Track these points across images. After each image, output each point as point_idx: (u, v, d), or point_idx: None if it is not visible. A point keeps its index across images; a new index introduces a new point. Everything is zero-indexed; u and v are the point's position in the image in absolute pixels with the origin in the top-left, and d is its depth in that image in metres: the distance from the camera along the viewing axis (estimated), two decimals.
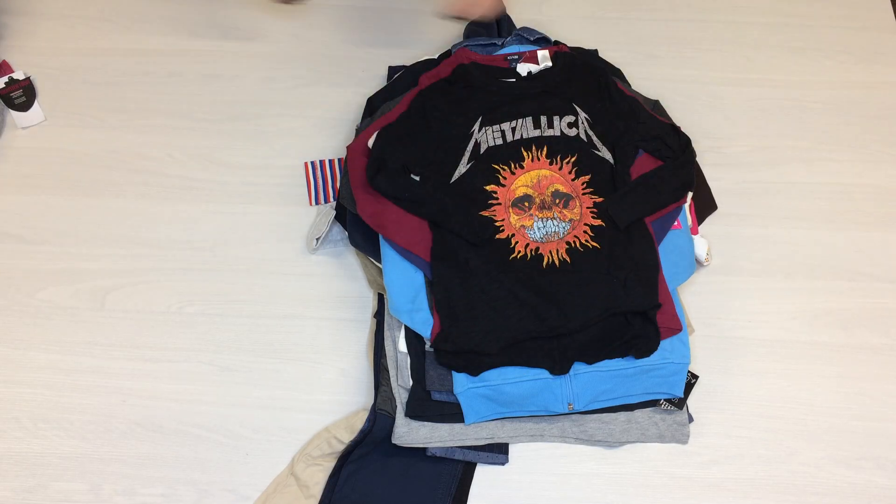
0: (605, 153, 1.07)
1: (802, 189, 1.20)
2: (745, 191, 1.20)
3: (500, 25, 1.27)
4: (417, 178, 1.05)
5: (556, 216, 1.03)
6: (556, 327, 0.95)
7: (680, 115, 1.25)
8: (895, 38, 1.35)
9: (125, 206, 1.18)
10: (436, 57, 1.20)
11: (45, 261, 1.14)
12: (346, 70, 1.30)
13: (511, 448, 1.02)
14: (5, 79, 1.26)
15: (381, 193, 1.03)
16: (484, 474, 1.01)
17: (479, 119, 1.08)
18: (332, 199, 1.18)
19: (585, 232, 1.01)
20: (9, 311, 1.10)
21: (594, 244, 1.00)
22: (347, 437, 1.01)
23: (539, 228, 1.02)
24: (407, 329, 1.01)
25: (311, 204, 1.18)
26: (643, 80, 1.28)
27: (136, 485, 1.00)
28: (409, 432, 0.99)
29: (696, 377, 1.03)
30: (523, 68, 1.12)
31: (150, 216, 1.17)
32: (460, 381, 0.97)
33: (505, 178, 1.05)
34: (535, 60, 1.14)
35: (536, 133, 1.07)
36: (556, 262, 0.99)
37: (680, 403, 1.01)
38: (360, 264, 1.13)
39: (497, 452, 1.01)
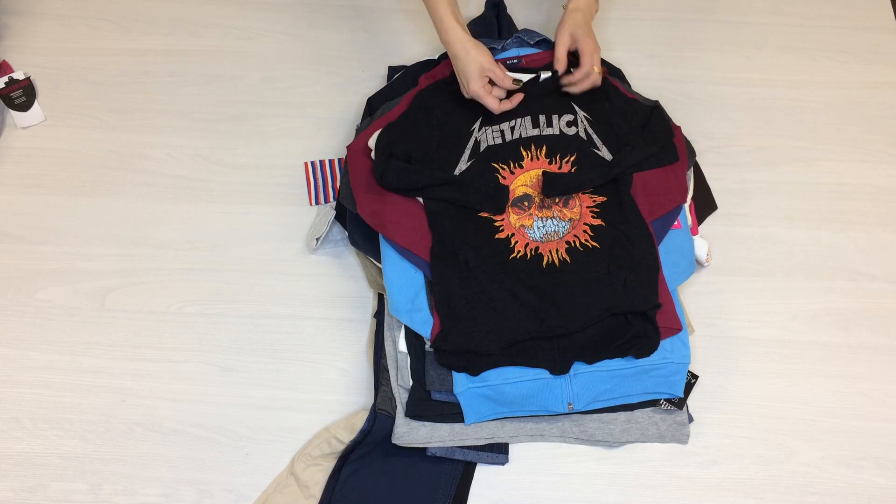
0: (606, 153, 1.07)
1: (802, 189, 1.20)
2: (745, 191, 1.20)
3: (501, 26, 1.27)
4: None
5: (555, 215, 1.03)
6: (555, 327, 0.95)
7: (680, 115, 1.25)
8: (895, 38, 1.35)
9: (125, 206, 1.18)
10: (436, 57, 1.20)
11: (45, 261, 1.14)
12: (346, 70, 1.30)
13: (511, 448, 1.02)
14: (5, 79, 1.26)
15: (393, 190, 1.03)
16: (484, 474, 1.01)
17: (480, 119, 1.08)
18: (332, 199, 1.18)
19: (585, 231, 1.01)
20: (9, 311, 1.10)
21: (594, 244, 1.00)
22: (347, 437, 1.01)
23: (539, 228, 1.02)
24: (407, 329, 1.01)
25: (311, 204, 1.18)
26: (643, 80, 1.28)
27: (136, 485, 1.00)
28: (409, 432, 0.99)
29: (696, 377, 1.03)
30: (522, 76, 1.10)
31: (150, 216, 1.17)
32: (460, 381, 0.97)
33: (504, 177, 1.05)
34: (533, 64, 1.14)
35: (535, 132, 1.07)
36: (556, 262, 0.99)
37: (680, 403, 1.01)
38: (360, 264, 1.13)
39: (497, 452, 1.01)
